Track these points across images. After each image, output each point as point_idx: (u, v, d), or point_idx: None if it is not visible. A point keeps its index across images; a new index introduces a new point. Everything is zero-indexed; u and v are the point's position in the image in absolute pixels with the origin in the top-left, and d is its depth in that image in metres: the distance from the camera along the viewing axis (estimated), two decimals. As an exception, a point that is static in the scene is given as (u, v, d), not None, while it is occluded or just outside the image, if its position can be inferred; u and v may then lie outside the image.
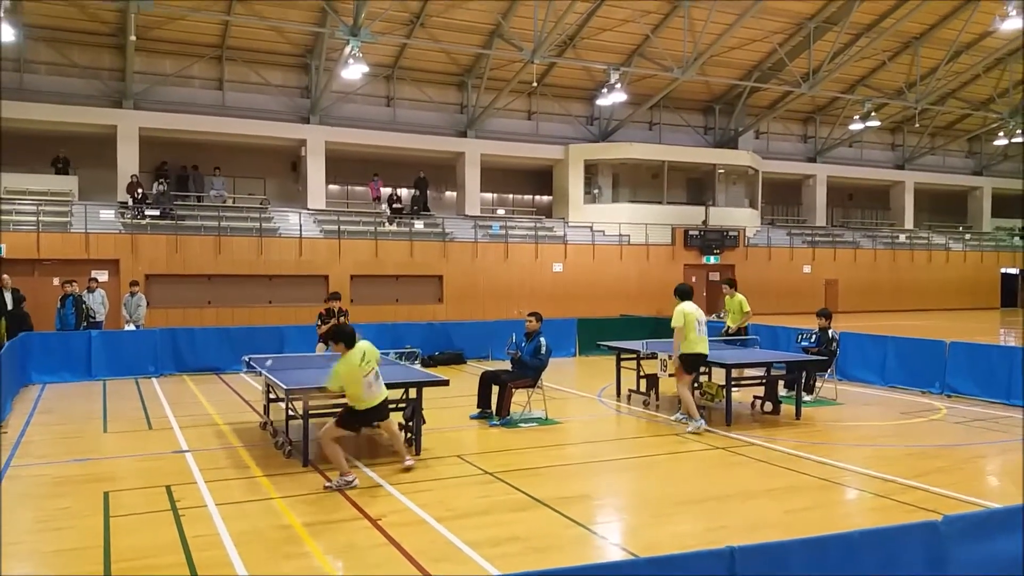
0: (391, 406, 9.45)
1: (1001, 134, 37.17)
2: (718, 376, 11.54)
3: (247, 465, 8.42)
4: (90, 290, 17.20)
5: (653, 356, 11.79)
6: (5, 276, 16.15)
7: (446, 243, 28.09)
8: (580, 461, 8.93)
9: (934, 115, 38.03)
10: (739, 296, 13.97)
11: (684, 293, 10.52)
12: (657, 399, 11.99)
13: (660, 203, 33.02)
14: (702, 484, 7.88)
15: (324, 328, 12.71)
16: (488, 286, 28.09)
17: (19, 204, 23.38)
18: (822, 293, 34.31)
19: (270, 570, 5.49)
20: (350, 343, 7.73)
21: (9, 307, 15.71)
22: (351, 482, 7.43)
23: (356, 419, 7.81)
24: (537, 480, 7.84)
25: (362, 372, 7.61)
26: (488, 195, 33.01)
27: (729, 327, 14.06)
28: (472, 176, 30.90)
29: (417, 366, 10.98)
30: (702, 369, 11.49)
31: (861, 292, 35.80)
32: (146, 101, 26.39)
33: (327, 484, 7.51)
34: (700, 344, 10.18)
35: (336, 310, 12.96)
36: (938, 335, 14.85)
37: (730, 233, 32.97)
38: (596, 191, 33.34)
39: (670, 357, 11.45)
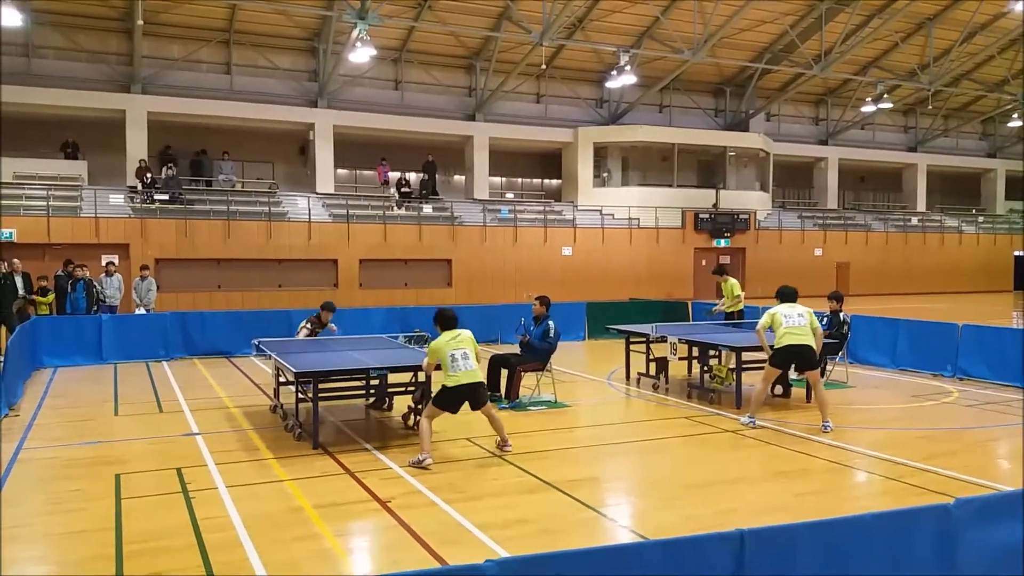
0: (400, 389, 9.53)
1: (1015, 116, 36.77)
2: (728, 359, 11.52)
3: (257, 448, 8.45)
4: (108, 274, 17.30)
5: (663, 340, 11.77)
6: (16, 260, 16.23)
7: (455, 227, 28.05)
8: (589, 444, 8.93)
9: (947, 97, 37.64)
10: (732, 281, 14.41)
11: (782, 296, 9.57)
12: (667, 383, 11.96)
13: (670, 186, 32.85)
14: (712, 467, 7.87)
15: (302, 335, 11.52)
16: (497, 270, 28.07)
17: (29, 189, 23.47)
18: (833, 276, 34.15)
19: (280, 552, 5.51)
20: (446, 325, 8.09)
21: (20, 291, 15.81)
22: (422, 461, 7.57)
23: (446, 397, 7.88)
24: (546, 463, 7.85)
25: (449, 347, 7.86)
26: (497, 179, 32.92)
27: (723, 311, 14.63)
28: (481, 160, 30.79)
29: (426, 350, 10.97)
30: (711, 352, 11.47)
31: (873, 275, 35.61)
32: (154, 86, 26.37)
33: (411, 460, 7.70)
34: (788, 336, 9.13)
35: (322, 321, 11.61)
36: (950, 318, 14.75)
37: (741, 216, 32.80)
38: (605, 174, 33.19)
39: (680, 340, 11.46)
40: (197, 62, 27.37)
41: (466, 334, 8.10)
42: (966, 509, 4.14)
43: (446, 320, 8.17)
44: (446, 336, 8.00)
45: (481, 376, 8.11)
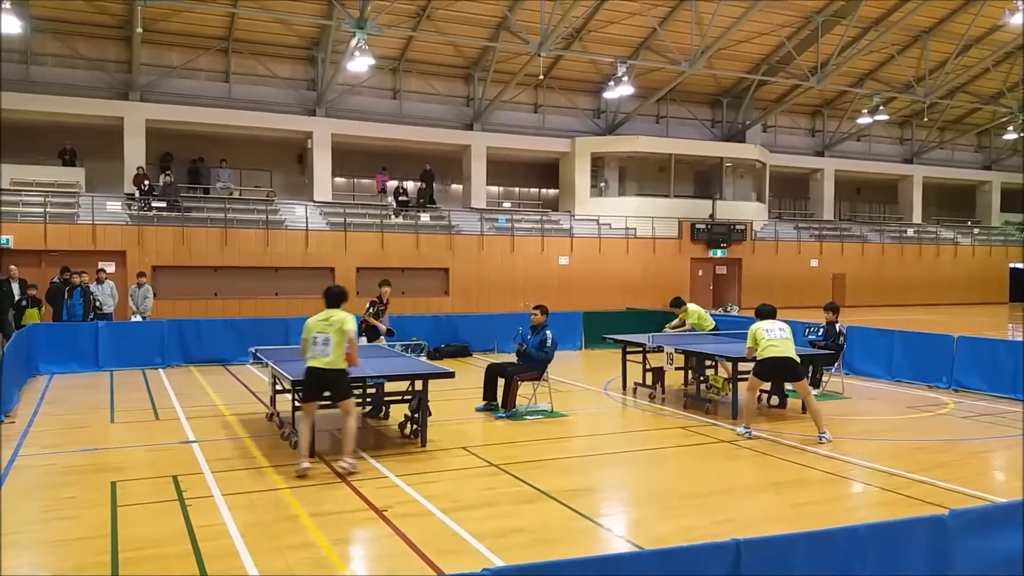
0: (396, 398, 9.49)
1: (1010, 128, 36.97)
2: (724, 370, 11.54)
3: (253, 456, 8.44)
4: (99, 281, 17.24)
5: (659, 349, 11.78)
6: (13, 267, 16.20)
7: (452, 236, 28.09)
8: (586, 454, 8.93)
9: (943, 109, 37.80)
10: (691, 309, 13.95)
11: (761, 314, 9.74)
12: (663, 392, 11.98)
13: (667, 196, 32.94)
14: (708, 477, 7.88)
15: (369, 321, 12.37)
16: (494, 279, 28.08)
17: (26, 195, 23.46)
18: (829, 287, 34.21)
19: (276, 560, 5.50)
20: (329, 302, 7.79)
21: (17, 298, 15.78)
22: (307, 470, 7.48)
23: (301, 382, 7.74)
24: (543, 472, 7.84)
25: (314, 328, 7.62)
26: (494, 188, 32.99)
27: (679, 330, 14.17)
28: (478, 169, 30.87)
29: (423, 358, 10.99)
30: (707, 363, 11.49)
31: (868, 286, 35.69)
32: (152, 93, 26.41)
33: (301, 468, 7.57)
34: (769, 349, 9.23)
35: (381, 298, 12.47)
36: (945, 329, 14.78)
37: (737, 227, 32.89)
38: (602, 184, 33.27)
39: (676, 350, 11.48)
40: (196, 70, 27.42)
41: (339, 318, 7.60)
42: (961, 520, 4.16)
43: (330, 296, 7.83)
44: (317, 315, 7.72)
45: (336, 364, 7.53)
